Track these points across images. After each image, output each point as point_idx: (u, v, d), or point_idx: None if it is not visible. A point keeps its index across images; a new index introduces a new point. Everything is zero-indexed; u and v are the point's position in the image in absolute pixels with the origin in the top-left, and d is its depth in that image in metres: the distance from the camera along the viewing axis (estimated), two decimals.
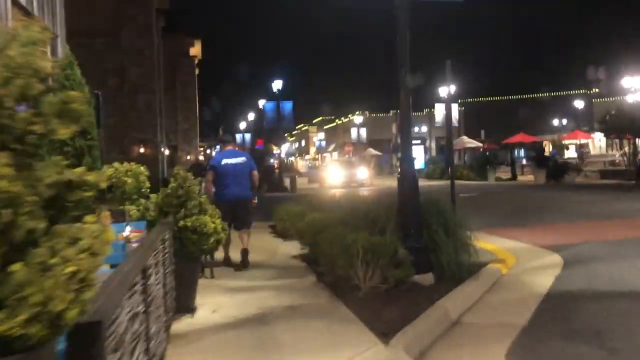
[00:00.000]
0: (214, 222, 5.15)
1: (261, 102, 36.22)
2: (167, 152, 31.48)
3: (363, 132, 49.45)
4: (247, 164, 7.56)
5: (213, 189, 7.36)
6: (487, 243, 8.06)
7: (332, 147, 75.50)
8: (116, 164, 5.56)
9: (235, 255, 7.28)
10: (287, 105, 27.06)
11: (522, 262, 7.34)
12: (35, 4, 7.18)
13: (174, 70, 42.04)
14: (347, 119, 71.15)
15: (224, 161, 7.44)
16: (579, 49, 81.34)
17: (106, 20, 24.30)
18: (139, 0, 24.70)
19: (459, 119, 33.69)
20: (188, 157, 43.31)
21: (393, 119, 55.52)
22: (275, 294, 5.73)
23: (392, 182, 31.81)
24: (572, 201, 15.92)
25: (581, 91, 54.71)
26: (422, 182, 29.18)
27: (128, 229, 4.27)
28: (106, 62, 24.54)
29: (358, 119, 48.28)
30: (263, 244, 9.59)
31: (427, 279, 5.84)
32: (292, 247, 8.76)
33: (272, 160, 57.19)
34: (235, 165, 7.43)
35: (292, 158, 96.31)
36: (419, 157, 40.83)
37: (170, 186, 5.17)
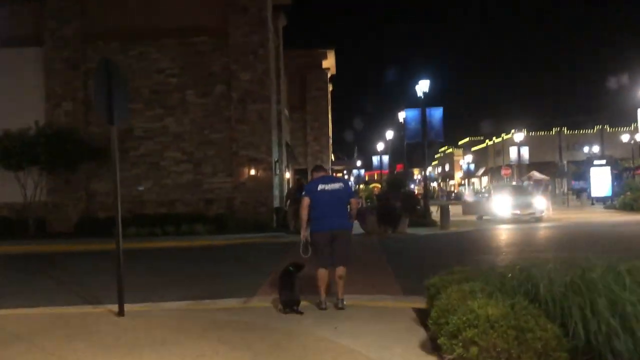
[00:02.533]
0: None
1: (402, 116, 30.27)
2: (287, 174, 26.66)
3: (525, 152, 41.00)
4: (345, 190, 6.69)
5: (306, 217, 6.57)
6: None
7: (481, 170, 67.10)
8: None
9: None
10: (436, 113, 20.60)
11: None
12: None
13: (304, 86, 37.66)
14: (500, 139, 62.45)
15: (320, 187, 6.59)
16: None
17: (211, 14, 20.09)
18: None
19: None
20: None
21: (556, 137, 46.34)
22: None
23: (579, 215, 23.81)
24: None
25: None
26: (620, 217, 20.87)
27: None
28: (211, 65, 20.28)
29: (518, 136, 40.06)
30: None
31: None
32: None
33: (412, 186, 50.38)
34: (333, 191, 6.54)
35: (434, 183, 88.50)
36: (604, 181, 31.97)
37: None
